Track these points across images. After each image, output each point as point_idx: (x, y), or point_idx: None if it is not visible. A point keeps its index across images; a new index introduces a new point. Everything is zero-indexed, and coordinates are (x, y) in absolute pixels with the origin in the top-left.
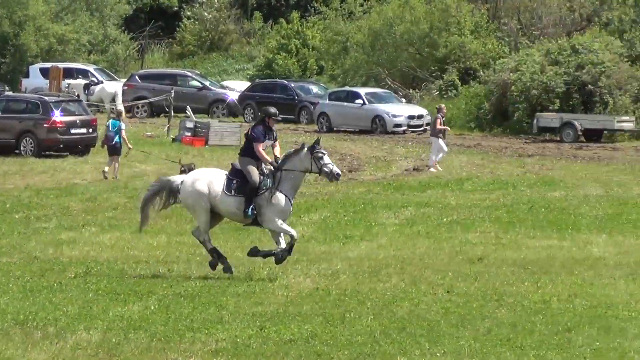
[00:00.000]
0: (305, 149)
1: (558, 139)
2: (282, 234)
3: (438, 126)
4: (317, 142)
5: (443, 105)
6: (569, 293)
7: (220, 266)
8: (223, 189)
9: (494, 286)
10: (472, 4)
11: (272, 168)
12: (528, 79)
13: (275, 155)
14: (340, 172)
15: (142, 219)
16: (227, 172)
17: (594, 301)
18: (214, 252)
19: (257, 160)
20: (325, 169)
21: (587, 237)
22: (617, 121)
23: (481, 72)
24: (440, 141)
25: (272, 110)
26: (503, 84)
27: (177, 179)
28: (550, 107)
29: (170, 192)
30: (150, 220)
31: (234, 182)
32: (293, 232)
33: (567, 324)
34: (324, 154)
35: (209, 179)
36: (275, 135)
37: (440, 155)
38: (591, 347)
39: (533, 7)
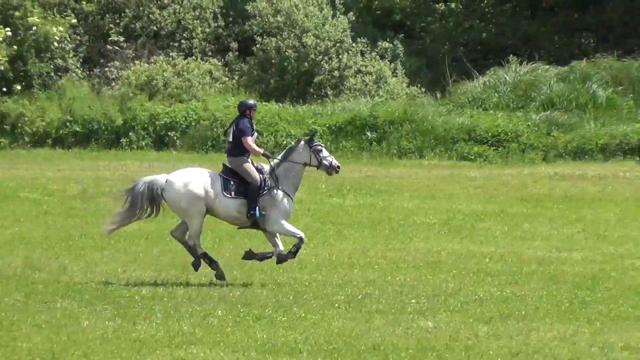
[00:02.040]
0: (303, 142)
1: None
2: (278, 236)
3: None
4: (314, 135)
5: None
6: None
7: (205, 268)
8: (221, 191)
9: None
10: None
11: (270, 161)
12: None
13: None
14: (339, 165)
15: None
16: (219, 172)
17: None
18: (205, 257)
19: (249, 156)
20: (325, 161)
21: None
22: None
23: None
24: None
25: (252, 101)
26: None
27: (159, 177)
28: None
29: (154, 195)
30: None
31: (231, 182)
32: (301, 233)
33: None
34: (323, 147)
35: (203, 179)
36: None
37: None
38: None
39: None
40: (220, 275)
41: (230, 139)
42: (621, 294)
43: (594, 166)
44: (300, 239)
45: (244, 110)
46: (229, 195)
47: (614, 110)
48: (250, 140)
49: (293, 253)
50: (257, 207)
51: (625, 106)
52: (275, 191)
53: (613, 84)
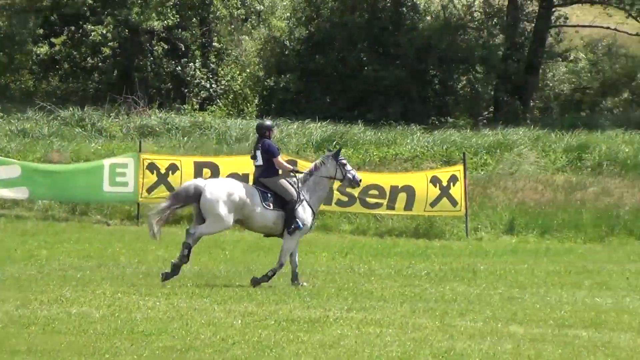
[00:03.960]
0: (331, 156)
1: None
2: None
3: None
4: (339, 150)
5: None
6: None
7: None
8: (261, 202)
9: None
10: None
11: (297, 175)
12: None
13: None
14: (361, 179)
15: (157, 227)
16: (253, 185)
17: None
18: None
19: (279, 173)
20: (349, 175)
21: None
22: None
23: None
24: None
25: (269, 122)
26: None
27: (200, 181)
28: None
29: (193, 196)
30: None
31: (269, 194)
32: (284, 262)
33: None
34: (347, 161)
35: (246, 191)
36: None
37: None
38: None
39: None
40: (171, 272)
41: (260, 162)
42: None
43: None
44: (281, 266)
45: (264, 132)
46: (269, 207)
47: None
48: (280, 159)
49: (267, 277)
50: (297, 220)
51: None
52: (304, 205)
53: None
